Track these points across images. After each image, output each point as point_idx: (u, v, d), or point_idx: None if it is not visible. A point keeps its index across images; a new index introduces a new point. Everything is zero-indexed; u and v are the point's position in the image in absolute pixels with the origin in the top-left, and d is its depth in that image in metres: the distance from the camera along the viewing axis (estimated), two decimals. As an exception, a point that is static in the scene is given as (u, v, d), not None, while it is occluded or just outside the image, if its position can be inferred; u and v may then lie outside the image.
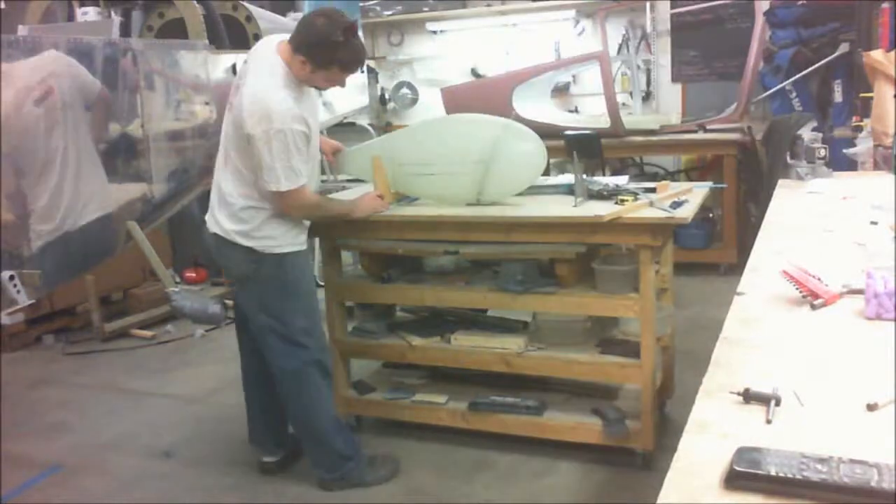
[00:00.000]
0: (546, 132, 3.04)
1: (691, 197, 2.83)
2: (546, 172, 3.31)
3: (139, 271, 5.31)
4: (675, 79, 6.15)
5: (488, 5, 6.51)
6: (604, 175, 4.38)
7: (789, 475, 0.90)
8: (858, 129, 3.87)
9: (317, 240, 3.35)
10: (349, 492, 2.88)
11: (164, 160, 2.81)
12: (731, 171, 5.19)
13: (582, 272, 2.93)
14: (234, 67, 3.13)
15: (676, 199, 2.77)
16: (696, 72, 6.09)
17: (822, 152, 3.06)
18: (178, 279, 5.53)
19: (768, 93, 5.20)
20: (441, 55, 6.75)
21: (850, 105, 4.58)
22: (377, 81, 6.78)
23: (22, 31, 2.83)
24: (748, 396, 1.15)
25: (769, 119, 5.32)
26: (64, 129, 2.51)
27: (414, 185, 3.04)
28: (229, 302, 5.15)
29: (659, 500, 0.92)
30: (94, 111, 2.63)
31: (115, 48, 2.60)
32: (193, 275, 5.80)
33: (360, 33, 4.41)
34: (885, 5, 3.82)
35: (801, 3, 4.98)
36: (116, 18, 2.96)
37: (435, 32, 6.70)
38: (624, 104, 5.99)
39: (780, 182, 3.07)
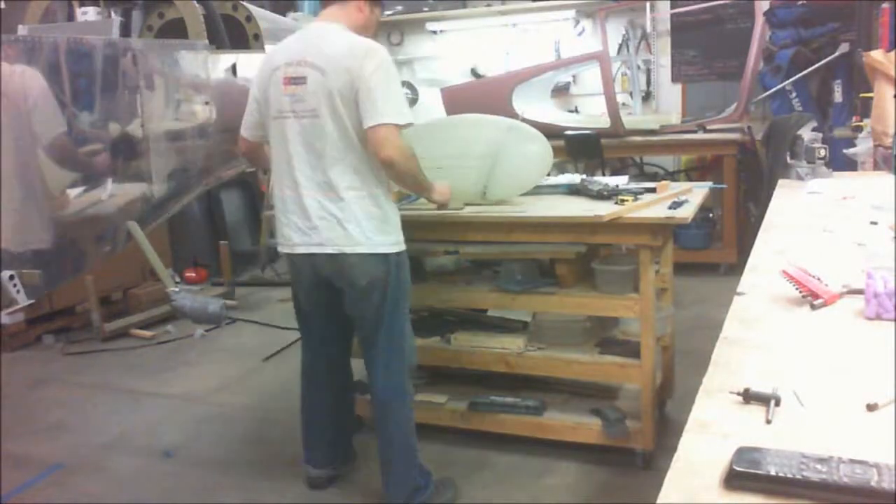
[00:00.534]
0: (546, 132, 3.04)
1: (691, 197, 2.84)
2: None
3: (139, 271, 5.32)
4: (674, 79, 6.16)
5: (488, 5, 6.52)
6: (604, 175, 4.38)
7: (789, 475, 0.90)
8: (858, 129, 3.88)
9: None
10: (349, 492, 2.88)
11: (164, 160, 2.79)
12: (730, 171, 5.20)
13: (582, 272, 2.93)
14: (233, 67, 3.12)
15: (676, 199, 2.77)
16: (696, 72, 6.09)
17: (822, 152, 3.06)
18: (178, 279, 5.54)
19: (768, 93, 5.20)
20: (441, 55, 6.75)
21: (850, 105, 4.58)
22: (377, 81, 6.78)
23: (22, 31, 2.83)
24: (748, 396, 1.15)
25: (769, 119, 5.32)
26: None
27: None
28: (230, 302, 5.18)
29: (659, 500, 0.92)
30: (49, 154, 2.36)
31: (115, 48, 2.59)
32: (193, 275, 5.81)
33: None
34: (885, 5, 3.82)
35: (801, 3, 4.99)
36: (116, 18, 2.95)
37: (435, 32, 6.70)
38: (624, 104, 6.00)
39: (780, 182, 3.07)
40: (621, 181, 3.06)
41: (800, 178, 3.06)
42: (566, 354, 2.97)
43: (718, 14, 5.86)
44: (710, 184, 3.25)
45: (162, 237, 5.45)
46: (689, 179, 5.64)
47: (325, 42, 2.46)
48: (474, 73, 6.60)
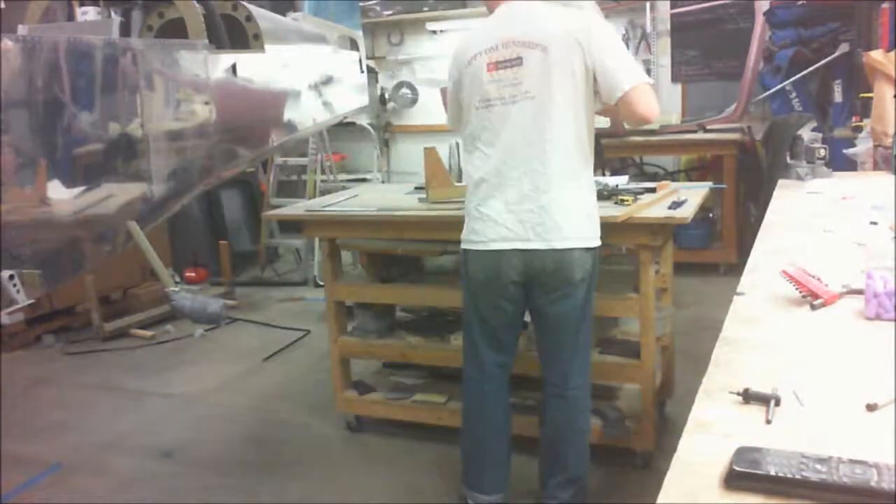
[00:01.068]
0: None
1: (691, 197, 2.83)
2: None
3: (139, 271, 5.32)
4: (675, 79, 6.16)
5: (488, 5, 6.51)
6: (604, 175, 4.38)
7: (789, 475, 0.90)
8: (858, 129, 3.88)
9: (316, 240, 3.34)
10: (349, 492, 2.88)
11: (164, 160, 2.79)
12: (730, 171, 5.20)
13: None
14: (233, 67, 3.12)
15: (676, 199, 2.77)
16: (696, 72, 6.09)
17: (822, 152, 3.06)
18: (177, 279, 5.54)
19: (768, 93, 5.20)
20: (441, 55, 6.74)
21: (849, 105, 4.58)
22: (377, 81, 6.79)
23: (22, 30, 2.83)
24: (748, 396, 1.15)
25: (769, 119, 5.33)
26: None
27: None
28: (230, 302, 5.18)
29: (659, 500, 0.91)
30: None
31: (115, 48, 2.58)
32: (193, 275, 5.81)
33: (360, 33, 4.42)
34: (885, 5, 3.82)
35: (801, 3, 4.98)
36: (116, 18, 2.95)
37: (435, 32, 6.70)
38: (624, 104, 5.99)
39: (780, 182, 3.07)
40: (621, 181, 3.06)
41: (800, 178, 3.06)
42: (566, 354, 2.97)
43: (718, 14, 5.85)
44: (710, 184, 3.25)
45: (162, 237, 5.45)
46: (689, 179, 5.64)
47: (538, 19, 2.31)
48: (474, 72, 6.60)
